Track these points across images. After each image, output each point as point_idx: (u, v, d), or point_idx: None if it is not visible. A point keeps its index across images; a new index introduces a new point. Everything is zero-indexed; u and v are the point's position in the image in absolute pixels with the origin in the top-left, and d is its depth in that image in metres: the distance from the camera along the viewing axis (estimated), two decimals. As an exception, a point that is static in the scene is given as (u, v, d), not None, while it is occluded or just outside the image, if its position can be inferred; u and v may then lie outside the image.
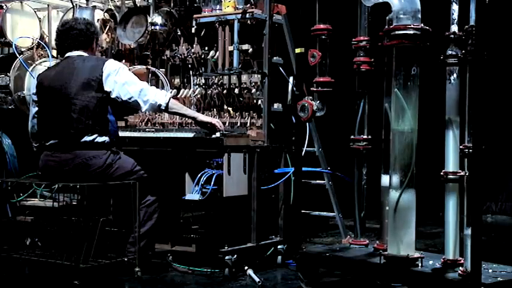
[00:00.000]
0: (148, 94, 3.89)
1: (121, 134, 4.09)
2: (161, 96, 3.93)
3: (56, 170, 3.83)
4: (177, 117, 4.43)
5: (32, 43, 5.22)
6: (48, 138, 3.88)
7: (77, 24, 3.98)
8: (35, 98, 4.02)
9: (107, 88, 3.83)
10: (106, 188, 3.86)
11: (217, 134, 3.98)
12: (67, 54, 3.99)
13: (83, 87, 3.80)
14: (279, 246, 4.37)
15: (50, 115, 3.92)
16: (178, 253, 4.26)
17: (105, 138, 3.83)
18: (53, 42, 5.30)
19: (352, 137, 3.82)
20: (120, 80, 3.85)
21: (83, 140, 3.77)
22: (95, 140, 3.79)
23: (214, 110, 4.49)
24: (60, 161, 3.81)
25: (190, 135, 4.04)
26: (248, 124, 4.34)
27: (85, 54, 3.97)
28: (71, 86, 3.81)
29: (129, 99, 3.87)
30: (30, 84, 5.03)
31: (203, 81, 4.58)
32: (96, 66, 3.85)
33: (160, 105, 3.91)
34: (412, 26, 3.25)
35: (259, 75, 4.31)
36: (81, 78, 3.81)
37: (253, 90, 4.38)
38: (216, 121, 4.06)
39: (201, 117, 4.07)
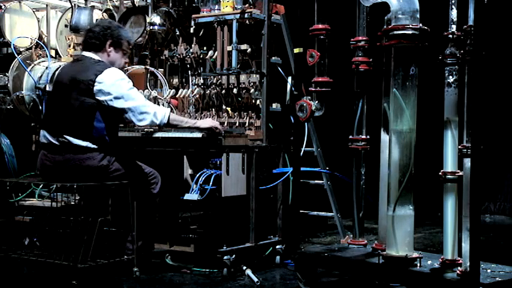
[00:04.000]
0: (145, 113, 3.82)
1: (119, 134, 4.07)
2: (160, 115, 3.85)
3: (53, 169, 3.84)
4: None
5: (31, 43, 5.22)
6: (42, 131, 3.90)
7: (96, 26, 4.01)
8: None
9: (99, 97, 3.76)
10: (104, 188, 3.86)
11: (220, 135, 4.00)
12: (82, 53, 3.99)
13: (78, 90, 3.76)
14: (277, 246, 4.37)
15: (50, 107, 3.97)
16: (177, 253, 4.26)
17: (88, 143, 3.76)
18: (52, 42, 5.34)
19: (350, 137, 3.82)
20: (115, 92, 3.77)
21: (68, 139, 3.76)
22: (77, 143, 3.75)
23: (213, 110, 4.49)
24: (55, 162, 3.82)
25: (189, 135, 4.04)
26: (247, 124, 4.34)
27: (96, 56, 3.91)
28: (69, 86, 3.81)
29: (125, 113, 3.81)
30: (28, 84, 5.04)
31: (202, 81, 4.58)
32: (95, 73, 3.77)
33: (159, 125, 3.90)
34: (410, 26, 3.25)
35: (257, 75, 4.31)
36: (79, 80, 3.79)
37: (252, 90, 4.37)
38: (213, 125, 4.03)
39: (203, 125, 4.01)
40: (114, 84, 3.78)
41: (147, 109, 3.84)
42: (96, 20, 4.12)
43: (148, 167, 3.98)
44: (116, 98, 3.78)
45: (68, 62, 4.42)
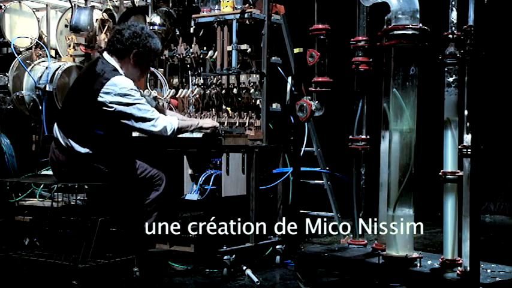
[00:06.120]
0: (153, 126, 3.76)
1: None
2: (169, 130, 3.80)
3: (57, 166, 3.87)
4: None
5: (31, 43, 5.23)
6: (55, 125, 3.89)
7: (126, 29, 3.82)
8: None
9: (104, 106, 3.69)
10: (105, 190, 3.87)
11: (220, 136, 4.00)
12: (103, 54, 3.88)
13: (83, 96, 3.74)
14: (277, 246, 4.37)
15: (64, 105, 4.00)
16: (177, 253, 4.25)
17: (88, 151, 3.75)
18: (52, 42, 5.34)
19: (350, 137, 3.81)
20: (122, 102, 3.70)
21: (71, 144, 3.76)
22: (78, 150, 3.75)
23: (213, 110, 4.48)
24: (58, 160, 3.84)
25: (189, 135, 4.04)
26: (247, 124, 4.34)
27: (115, 63, 3.81)
28: (77, 90, 3.84)
29: (131, 123, 3.75)
30: (28, 84, 5.05)
31: (202, 81, 4.58)
32: (104, 80, 3.70)
33: (166, 137, 3.83)
34: (410, 26, 3.25)
35: (257, 75, 4.31)
36: (86, 86, 3.75)
37: (252, 90, 4.37)
38: (214, 124, 4.03)
39: (205, 125, 4.00)
40: (121, 94, 3.70)
41: (154, 122, 3.77)
42: (134, 26, 3.87)
43: (154, 169, 3.94)
44: (122, 109, 3.71)
45: (92, 60, 4.28)
